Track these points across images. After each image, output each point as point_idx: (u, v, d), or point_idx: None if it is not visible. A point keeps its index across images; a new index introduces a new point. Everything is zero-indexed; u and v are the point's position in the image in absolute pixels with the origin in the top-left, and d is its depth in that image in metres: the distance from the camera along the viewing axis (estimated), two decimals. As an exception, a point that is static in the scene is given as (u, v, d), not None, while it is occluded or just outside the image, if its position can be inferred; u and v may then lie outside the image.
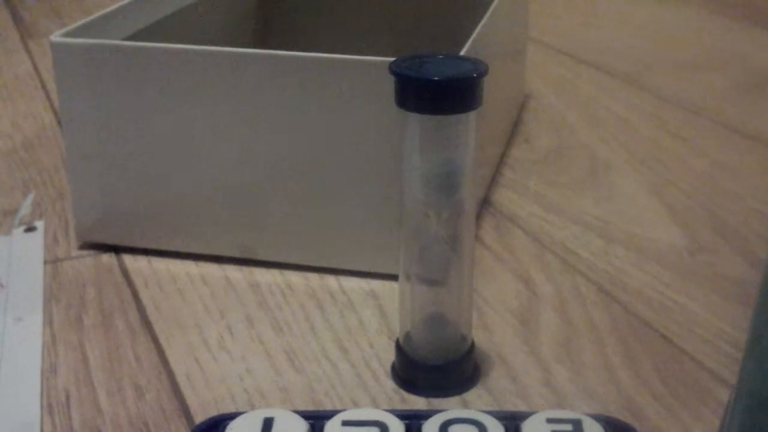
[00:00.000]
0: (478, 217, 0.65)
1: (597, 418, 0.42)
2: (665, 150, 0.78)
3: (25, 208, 0.65)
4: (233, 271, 0.59)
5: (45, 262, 0.60)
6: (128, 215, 0.60)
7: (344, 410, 0.43)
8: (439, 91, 0.42)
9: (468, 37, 0.57)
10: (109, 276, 0.59)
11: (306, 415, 0.42)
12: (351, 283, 0.57)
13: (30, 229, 0.64)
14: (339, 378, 0.48)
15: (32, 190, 0.69)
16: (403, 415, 0.42)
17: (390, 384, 0.48)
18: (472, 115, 0.44)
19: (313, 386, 0.48)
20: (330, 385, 0.48)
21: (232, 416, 0.42)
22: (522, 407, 0.46)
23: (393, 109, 0.44)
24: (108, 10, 0.63)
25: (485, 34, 0.60)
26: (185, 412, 0.46)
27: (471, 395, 0.47)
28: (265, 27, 0.88)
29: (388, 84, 0.44)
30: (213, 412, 0.45)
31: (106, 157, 0.59)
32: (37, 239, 0.63)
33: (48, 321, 0.54)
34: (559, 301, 0.56)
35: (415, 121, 0.43)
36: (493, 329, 0.53)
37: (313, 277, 0.58)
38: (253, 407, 0.46)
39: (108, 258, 0.61)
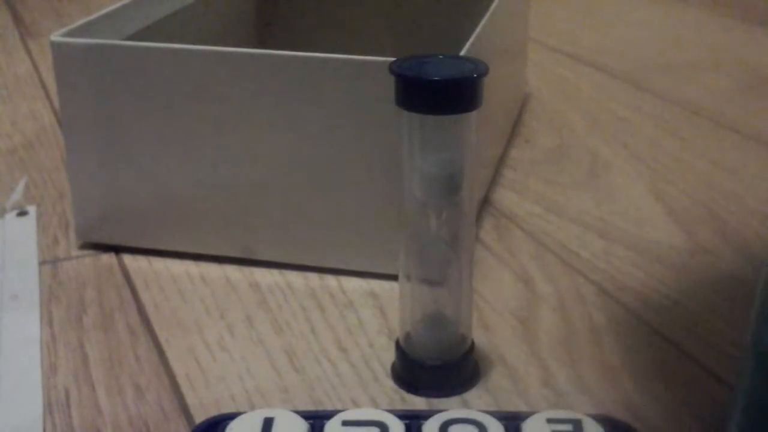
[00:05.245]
0: (478, 217, 0.65)
1: (597, 418, 0.42)
2: (665, 150, 0.78)
3: (17, 194, 0.66)
4: (233, 271, 0.59)
5: (45, 262, 0.60)
6: (128, 215, 0.60)
7: (344, 410, 0.43)
8: (439, 91, 0.42)
9: (468, 37, 0.57)
10: (109, 276, 0.59)
11: (306, 415, 0.42)
12: (351, 283, 0.57)
13: (22, 213, 0.64)
14: (339, 378, 0.48)
15: (24, 176, 0.69)
16: (403, 415, 0.42)
17: (390, 384, 0.48)
18: (472, 116, 0.44)
19: (313, 386, 0.48)
20: (330, 385, 0.48)
21: (232, 416, 0.42)
22: (522, 407, 0.46)
23: (393, 109, 0.44)
24: (108, 10, 0.63)
25: (485, 34, 0.60)
26: (185, 412, 0.46)
27: (471, 395, 0.47)
28: (265, 27, 0.88)
29: (388, 84, 0.44)
30: (213, 412, 0.45)
31: (106, 157, 0.59)
32: (29, 223, 0.64)
33: (48, 321, 0.54)
34: (559, 301, 0.56)
35: (415, 121, 0.43)
36: (493, 329, 0.53)
37: (313, 277, 0.58)
38: (253, 407, 0.46)
39: (108, 258, 0.61)
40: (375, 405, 0.46)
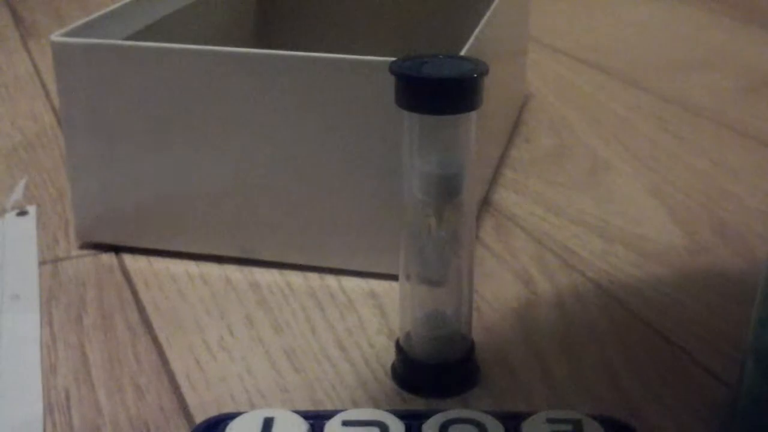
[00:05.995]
0: (478, 217, 0.65)
1: (597, 418, 0.42)
2: (665, 150, 0.78)
3: (17, 194, 0.66)
4: (233, 271, 0.59)
5: (45, 262, 0.60)
6: (128, 215, 0.60)
7: (344, 410, 0.43)
8: (439, 91, 0.42)
9: (468, 37, 0.57)
10: (109, 276, 0.59)
11: (306, 415, 0.42)
12: (351, 283, 0.57)
13: (22, 213, 0.64)
14: (339, 378, 0.48)
15: (24, 176, 0.69)
16: (403, 415, 0.42)
17: (390, 384, 0.48)
18: (472, 115, 0.44)
19: (313, 386, 0.48)
20: (330, 385, 0.48)
21: (232, 416, 0.42)
22: (522, 407, 0.46)
23: (393, 109, 0.44)
24: (108, 10, 0.63)
25: (485, 34, 0.60)
26: (185, 412, 0.46)
27: (471, 395, 0.47)
28: (265, 27, 0.88)
29: (388, 84, 0.44)
30: (213, 412, 0.45)
31: (106, 157, 0.59)
32: (29, 223, 0.64)
33: (48, 321, 0.54)
34: (559, 301, 0.56)
35: (415, 121, 0.43)
36: (493, 329, 0.53)
37: (313, 277, 0.58)
38: (253, 407, 0.46)
39: (108, 258, 0.61)
40: (375, 405, 0.46)
